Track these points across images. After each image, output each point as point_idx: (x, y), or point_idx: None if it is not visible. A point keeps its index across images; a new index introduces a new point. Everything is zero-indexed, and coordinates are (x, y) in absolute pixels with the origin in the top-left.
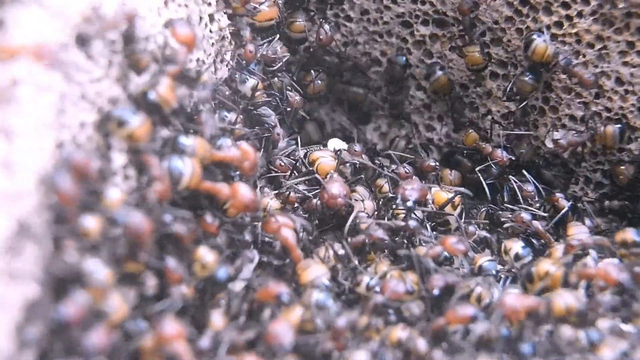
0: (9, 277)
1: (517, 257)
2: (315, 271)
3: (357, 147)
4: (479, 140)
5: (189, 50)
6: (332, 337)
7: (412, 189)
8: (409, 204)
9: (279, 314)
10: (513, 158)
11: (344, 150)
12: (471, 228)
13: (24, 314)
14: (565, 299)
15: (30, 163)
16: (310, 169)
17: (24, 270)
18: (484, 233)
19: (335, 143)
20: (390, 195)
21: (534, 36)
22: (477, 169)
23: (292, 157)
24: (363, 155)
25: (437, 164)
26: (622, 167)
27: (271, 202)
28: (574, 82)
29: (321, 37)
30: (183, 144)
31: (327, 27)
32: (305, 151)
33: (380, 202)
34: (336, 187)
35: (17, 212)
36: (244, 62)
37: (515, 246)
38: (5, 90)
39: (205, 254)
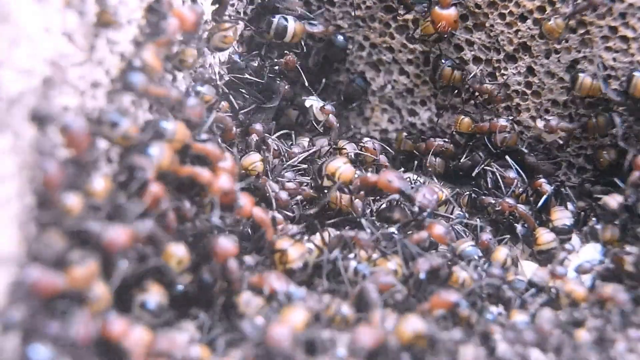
0: None
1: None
2: (295, 251)
3: (328, 106)
4: (472, 124)
5: (180, 26)
6: None
7: (429, 198)
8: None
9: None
10: (515, 123)
11: (317, 108)
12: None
13: (7, 297)
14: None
15: (12, 147)
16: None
17: (6, 254)
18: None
19: (312, 101)
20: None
21: (636, 72)
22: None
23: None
24: (330, 115)
25: (445, 141)
26: (604, 152)
27: (257, 163)
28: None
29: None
30: (164, 127)
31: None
32: (321, 163)
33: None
34: (389, 174)
35: None
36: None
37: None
38: None
39: (177, 250)
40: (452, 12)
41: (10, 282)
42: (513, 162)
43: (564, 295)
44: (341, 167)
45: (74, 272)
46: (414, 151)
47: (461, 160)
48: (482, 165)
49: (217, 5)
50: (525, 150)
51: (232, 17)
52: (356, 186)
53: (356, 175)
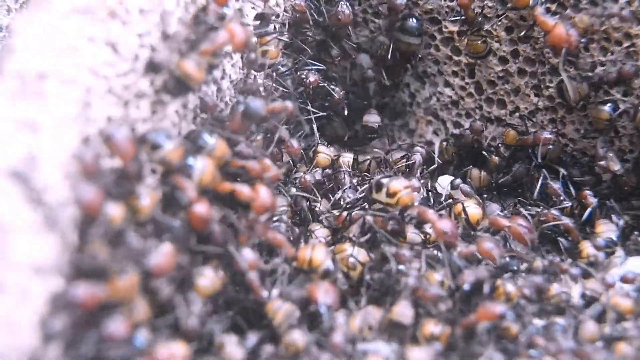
0: (34, 271)
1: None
2: (318, 254)
3: None
4: (517, 136)
5: (229, 40)
6: None
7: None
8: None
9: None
10: (555, 135)
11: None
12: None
13: (49, 307)
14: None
15: (55, 156)
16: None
17: (48, 264)
18: None
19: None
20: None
21: None
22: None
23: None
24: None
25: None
26: (624, 177)
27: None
28: None
29: (339, 17)
30: (205, 140)
31: (345, 6)
32: (377, 181)
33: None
34: (447, 224)
35: (42, 205)
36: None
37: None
38: (31, 84)
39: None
40: (561, 30)
41: (51, 291)
42: (563, 173)
43: (610, 308)
44: (402, 192)
45: (116, 283)
46: (458, 154)
47: (501, 181)
48: (529, 176)
49: (259, 21)
50: (561, 167)
51: (273, 32)
52: (414, 217)
53: (415, 204)
